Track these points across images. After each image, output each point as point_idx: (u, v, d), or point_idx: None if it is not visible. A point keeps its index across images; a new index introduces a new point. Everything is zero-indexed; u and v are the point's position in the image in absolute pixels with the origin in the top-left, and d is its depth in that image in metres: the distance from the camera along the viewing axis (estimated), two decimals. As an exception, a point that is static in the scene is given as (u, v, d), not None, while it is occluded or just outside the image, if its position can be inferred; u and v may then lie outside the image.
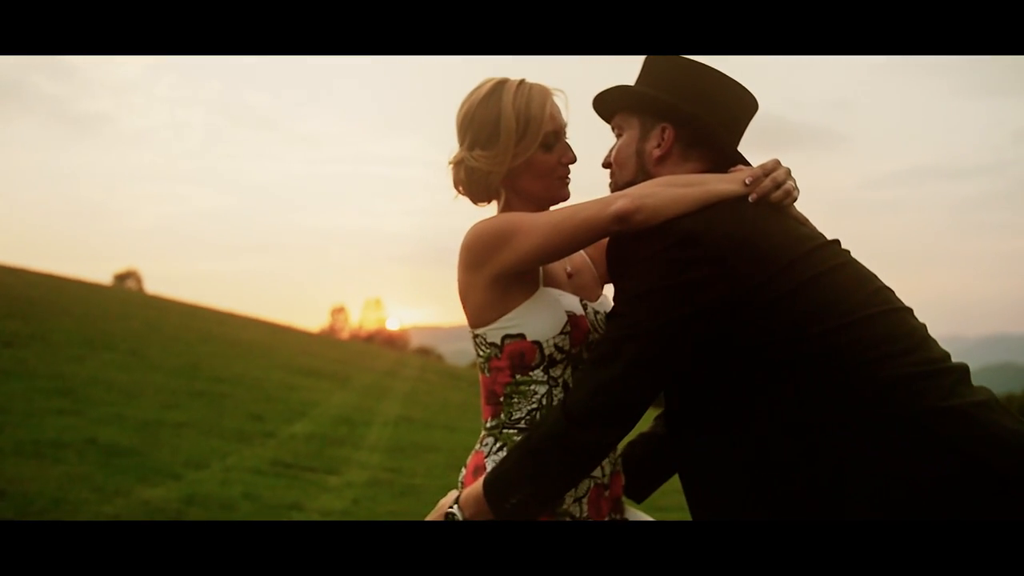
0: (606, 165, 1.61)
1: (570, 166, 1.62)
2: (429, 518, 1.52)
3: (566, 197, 1.62)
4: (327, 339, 31.09)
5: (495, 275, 1.49)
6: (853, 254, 1.49)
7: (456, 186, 1.67)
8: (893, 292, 1.46)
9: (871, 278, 1.45)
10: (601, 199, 1.45)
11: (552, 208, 1.59)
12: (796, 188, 1.50)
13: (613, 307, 1.45)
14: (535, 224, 1.46)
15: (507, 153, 1.56)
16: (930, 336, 1.43)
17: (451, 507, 1.47)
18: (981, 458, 1.26)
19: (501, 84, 1.59)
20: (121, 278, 45.24)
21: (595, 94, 1.61)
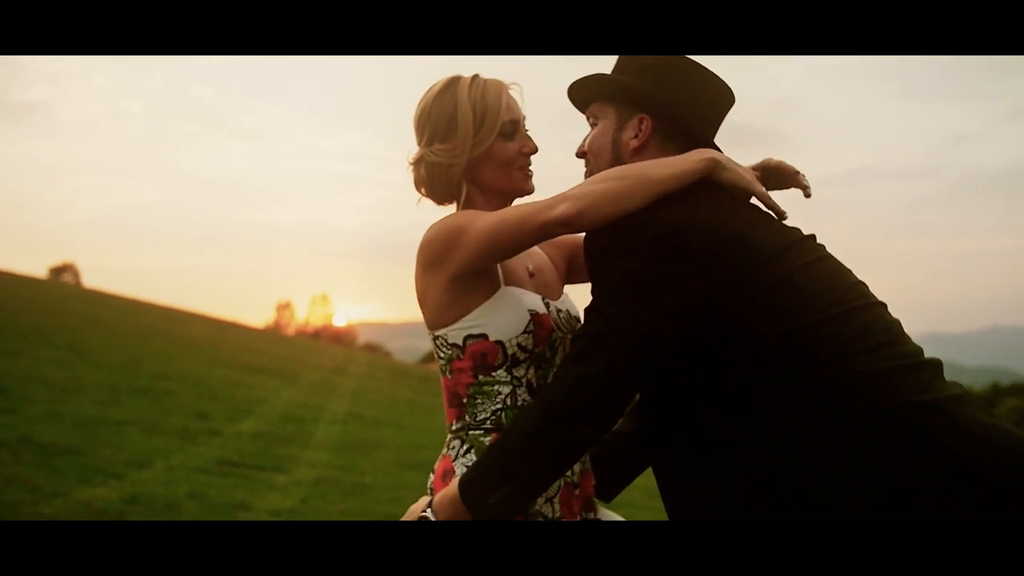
0: (580, 155, 1.58)
1: (532, 158, 1.60)
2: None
3: (530, 191, 1.61)
4: (273, 335, 30.59)
5: (453, 274, 1.49)
6: None
7: (417, 187, 1.65)
8: (867, 286, 1.46)
9: (847, 273, 1.45)
10: (546, 200, 1.43)
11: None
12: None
13: (592, 301, 1.41)
14: (484, 222, 1.46)
15: (466, 143, 1.55)
16: (904, 331, 1.42)
17: (424, 511, 1.44)
18: (958, 451, 1.25)
19: (455, 80, 1.59)
20: (57, 271, 43.81)
21: (571, 82, 1.57)
